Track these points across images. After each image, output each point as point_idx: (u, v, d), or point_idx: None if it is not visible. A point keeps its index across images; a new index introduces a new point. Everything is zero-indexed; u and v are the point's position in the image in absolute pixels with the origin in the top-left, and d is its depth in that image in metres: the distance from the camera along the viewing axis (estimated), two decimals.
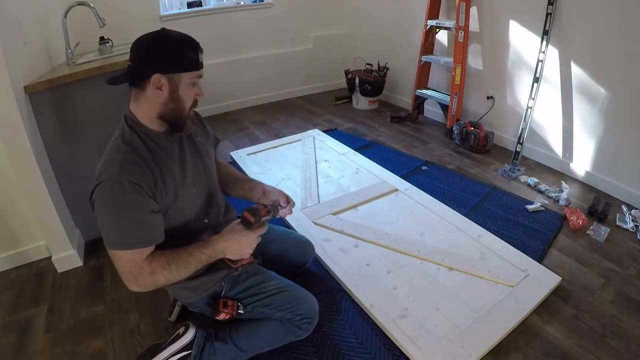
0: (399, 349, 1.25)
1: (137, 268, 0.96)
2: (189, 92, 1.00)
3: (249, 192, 1.32)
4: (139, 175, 0.94)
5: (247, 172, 2.34)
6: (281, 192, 1.30)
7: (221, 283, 1.17)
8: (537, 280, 1.45)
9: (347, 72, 3.59)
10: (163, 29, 0.98)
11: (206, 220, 1.16)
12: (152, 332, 1.38)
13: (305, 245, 1.52)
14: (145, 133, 1.01)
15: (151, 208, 0.96)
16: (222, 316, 1.15)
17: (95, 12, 2.04)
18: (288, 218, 1.80)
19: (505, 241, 1.67)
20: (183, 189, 1.06)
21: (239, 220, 1.11)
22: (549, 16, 2.10)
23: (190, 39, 0.99)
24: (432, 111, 3.25)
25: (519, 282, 1.44)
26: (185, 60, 0.96)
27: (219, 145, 1.35)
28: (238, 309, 1.16)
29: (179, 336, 1.19)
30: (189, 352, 1.17)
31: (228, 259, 1.08)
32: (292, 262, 1.48)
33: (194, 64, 0.98)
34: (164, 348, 1.18)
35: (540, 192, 2.10)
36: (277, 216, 1.21)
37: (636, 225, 1.77)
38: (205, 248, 1.04)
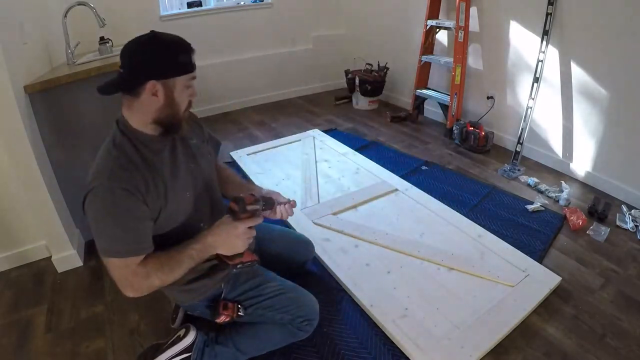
0: (399, 349, 1.25)
1: (131, 273, 0.95)
2: (183, 94, 0.98)
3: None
4: (128, 179, 0.93)
5: (247, 172, 2.34)
6: (279, 193, 1.27)
7: (220, 285, 1.17)
8: (537, 280, 1.45)
9: (347, 72, 3.59)
10: (152, 32, 0.94)
11: (202, 224, 1.11)
12: (152, 332, 1.38)
13: (305, 244, 1.52)
14: (138, 138, 0.98)
15: (141, 213, 0.95)
16: (222, 319, 1.14)
17: (95, 12, 2.04)
18: (289, 218, 1.80)
19: (505, 241, 1.68)
20: (174, 192, 1.03)
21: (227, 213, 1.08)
22: (549, 16, 2.10)
23: (182, 41, 0.96)
24: (432, 111, 3.25)
25: (519, 282, 1.44)
26: (179, 64, 0.94)
27: (220, 148, 1.33)
28: (238, 311, 1.16)
29: (180, 338, 1.19)
30: (188, 354, 1.17)
31: (224, 255, 1.05)
32: (292, 261, 1.46)
33: (188, 67, 0.96)
34: (165, 350, 1.18)
35: (540, 192, 2.10)
36: (276, 216, 1.21)
37: (636, 225, 1.77)
38: (195, 243, 1.01)
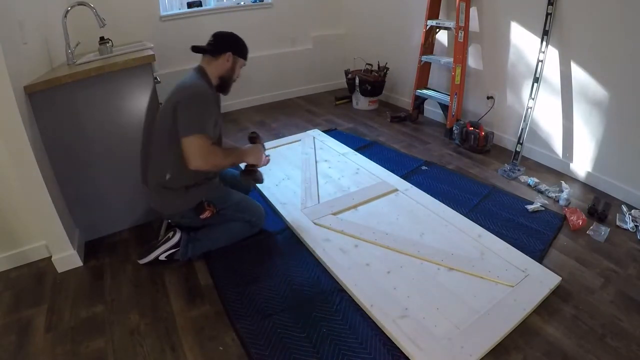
0: (399, 349, 1.25)
1: (206, 147, 1.48)
2: (237, 71, 1.69)
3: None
4: (212, 96, 1.58)
5: None
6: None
7: (205, 194, 1.64)
8: (537, 280, 1.45)
9: (347, 72, 3.59)
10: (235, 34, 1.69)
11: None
12: (152, 332, 1.38)
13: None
14: (209, 82, 1.61)
15: (214, 117, 1.57)
16: (206, 214, 1.60)
17: (95, 13, 2.04)
18: (288, 217, 1.93)
19: (505, 241, 1.68)
20: (218, 120, 1.65)
21: (250, 143, 1.78)
22: (549, 16, 2.11)
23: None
24: (432, 111, 3.25)
25: (519, 282, 1.44)
26: (245, 53, 1.70)
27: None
28: (215, 208, 1.63)
29: (169, 238, 1.66)
30: (177, 249, 1.66)
31: (250, 165, 1.69)
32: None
33: (246, 58, 1.72)
34: (158, 247, 1.66)
35: (540, 192, 2.10)
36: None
37: (636, 225, 1.77)
38: (238, 150, 1.68)
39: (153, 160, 1.62)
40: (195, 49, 1.60)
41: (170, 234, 1.67)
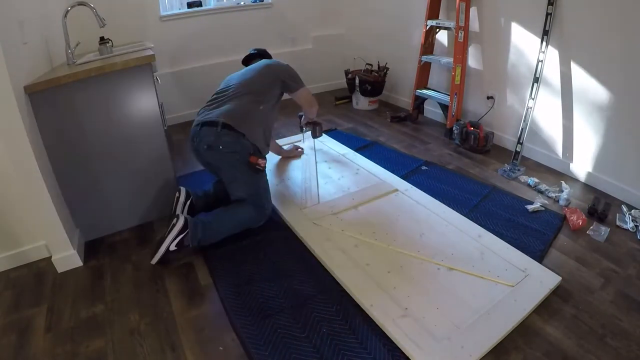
0: (399, 349, 1.25)
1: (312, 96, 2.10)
2: None
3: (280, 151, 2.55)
4: None
5: None
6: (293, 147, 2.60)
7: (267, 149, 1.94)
8: (537, 280, 1.46)
9: (347, 72, 3.59)
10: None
11: None
12: (152, 332, 1.38)
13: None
14: None
15: None
16: (262, 162, 1.79)
17: (95, 12, 2.04)
18: (288, 217, 1.94)
19: (505, 241, 1.68)
20: None
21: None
22: (549, 16, 2.11)
23: None
24: (432, 111, 3.25)
25: (519, 282, 1.45)
26: None
27: None
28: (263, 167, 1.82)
29: (174, 225, 1.64)
30: (185, 232, 1.64)
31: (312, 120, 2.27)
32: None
33: None
34: (166, 237, 1.63)
35: (540, 192, 2.11)
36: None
37: (636, 225, 1.77)
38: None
39: (249, 97, 1.85)
40: (258, 51, 2.21)
41: (174, 220, 1.65)
